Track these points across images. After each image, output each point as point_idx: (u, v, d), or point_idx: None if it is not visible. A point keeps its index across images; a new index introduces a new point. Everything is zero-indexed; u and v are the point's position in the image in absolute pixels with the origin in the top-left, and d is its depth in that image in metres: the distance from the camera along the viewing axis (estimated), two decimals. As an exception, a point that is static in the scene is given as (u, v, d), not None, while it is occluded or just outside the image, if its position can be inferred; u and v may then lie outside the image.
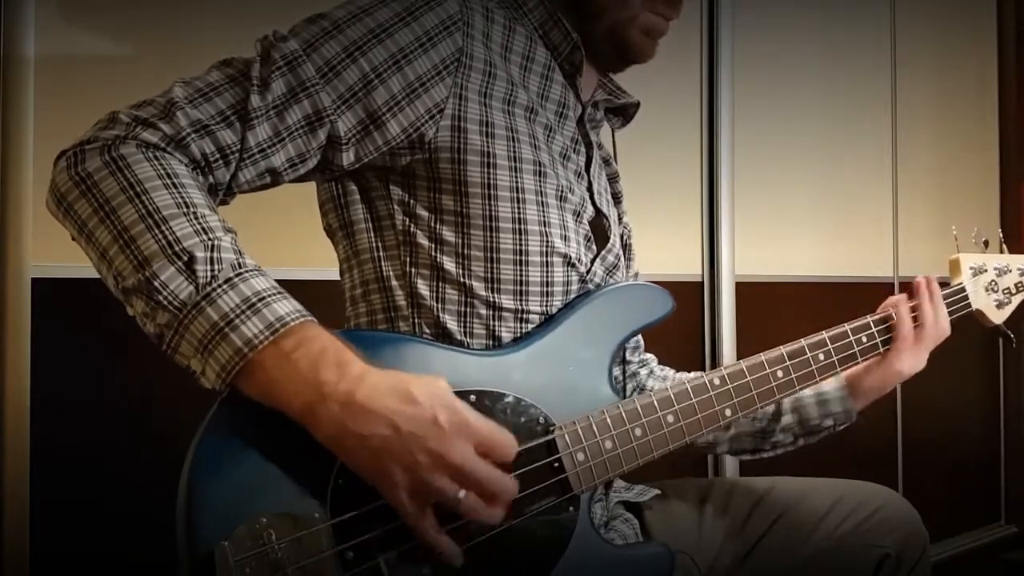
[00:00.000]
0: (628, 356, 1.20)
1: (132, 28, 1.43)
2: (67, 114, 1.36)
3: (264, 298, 0.78)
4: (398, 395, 0.78)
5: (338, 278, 1.08)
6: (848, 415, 1.22)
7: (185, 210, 0.79)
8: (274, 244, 1.51)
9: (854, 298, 2.47)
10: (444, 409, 0.79)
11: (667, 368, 1.28)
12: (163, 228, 0.78)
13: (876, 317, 1.22)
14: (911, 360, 1.21)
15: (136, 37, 1.44)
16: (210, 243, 0.78)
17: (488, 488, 0.79)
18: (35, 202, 1.32)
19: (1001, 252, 1.38)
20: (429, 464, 0.77)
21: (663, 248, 2.14)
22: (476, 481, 0.78)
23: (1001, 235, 1.41)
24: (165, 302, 0.77)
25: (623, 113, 1.20)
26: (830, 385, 1.21)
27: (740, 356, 2.17)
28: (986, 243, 1.36)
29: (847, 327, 1.18)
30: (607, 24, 1.06)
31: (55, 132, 1.33)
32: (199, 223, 0.79)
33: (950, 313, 1.28)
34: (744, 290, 2.24)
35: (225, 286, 0.77)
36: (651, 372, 1.26)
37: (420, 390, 0.79)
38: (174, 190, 0.80)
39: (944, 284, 1.32)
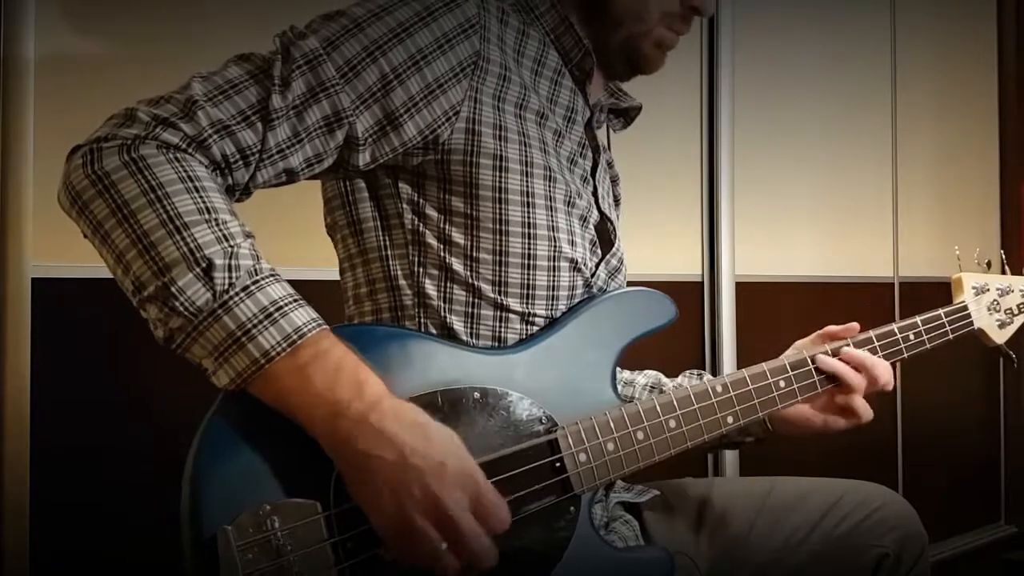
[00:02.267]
0: None
1: (132, 28, 1.43)
2: (67, 114, 1.35)
3: (281, 307, 0.78)
4: (412, 427, 0.78)
5: (338, 278, 1.07)
6: (765, 432, 1.19)
7: (207, 216, 0.78)
8: (275, 244, 1.51)
9: (854, 298, 2.48)
10: (454, 457, 0.79)
11: (624, 371, 1.27)
12: (184, 234, 0.77)
13: (877, 332, 1.20)
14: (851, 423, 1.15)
15: (136, 37, 1.44)
16: (230, 250, 0.78)
17: (468, 548, 0.78)
18: (35, 202, 1.32)
19: (1003, 273, 1.38)
20: (420, 502, 0.76)
21: (663, 248, 2.14)
22: (459, 536, 0.77)
23: (1003, 256, 1.41)
24: (181, 308, 0.77)
25: (625, 115, 1.21)
26: None
27: (740, 356, 2.20)
28: (988, 264, 1.37)
29: (849, 341, 1.17)
30: (622, 36, 1.06)
31: (55, 132, 1.33)
32: (220, 229, 0.79)
33: (952, 331, 1.27)
34: (744, 290, 2.24)
35: (242, 294, 0.77)
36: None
37: (436, 432, 0.79)
38: (196, 194, 0.79)
39: (939, 285, 1.32)
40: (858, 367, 1.12)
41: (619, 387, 1.21)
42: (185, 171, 0.80)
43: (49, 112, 1.34)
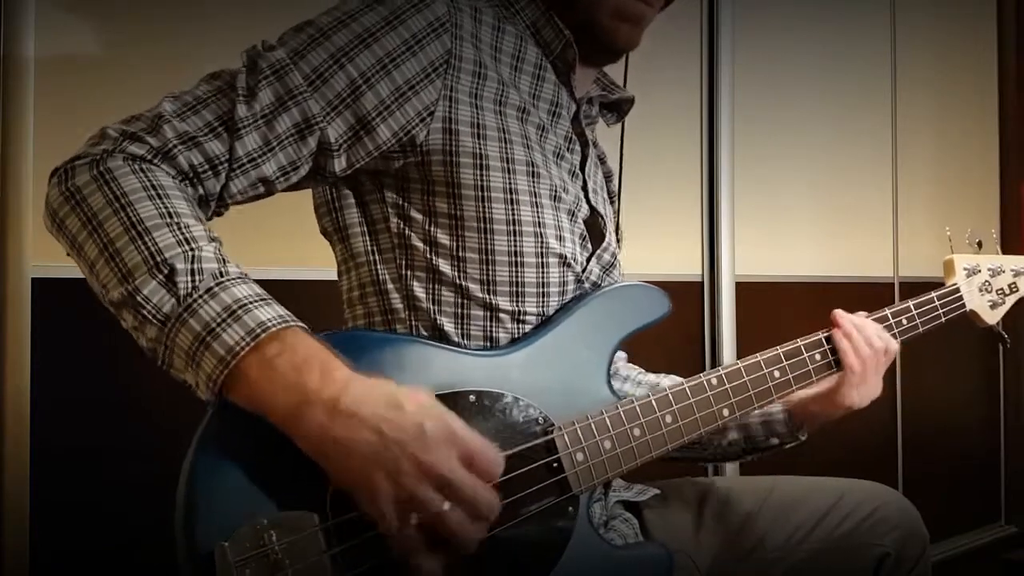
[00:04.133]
0: None
1: (133, 28, 1.43)
2: (67, 114, 1.36)
3: (244, 305, 0.77)
4: (384, 401, 0.77)
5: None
6: (794, 436, 1.20)
7: (168, 220, 0.79)
8: (275, 244, 1.51)
9: (854, 298, 2.46)
10: (431, 417, 0.77)
11: (633, 367, 1.27)
12: (146, 239, 0.77)
13: (871, 318, 1.21)
14: (863, 392, 1.15)
15: (136, 37, 1.44)
16: (191, 253, 0.78)
17: (472, 501, 0.77)
18: (35, 202, 1.32)
19: (995, 253, 1.38)
20: (413, 471, 0.75)
21: (663, 248, 2.14)
22: (459, 493, 0.76)
23: (995, 235, 1.41)
24: (151, 316, 0.77)
25: (617, 108, 1.19)
26: (775, 407, 1.19)
27: (740, 356, 2.18)
28: (980, 244, 1.37)
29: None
30: (579, 12, 1.04)
31: (55, 132, 1.34)
32: (182, 233, 0.79)
33: (945, 314, 1.28)
34: (744, 290, 2.24)
35: (206, 295, 0.77)
36: (615, 372, 1.26)
37: (407, 398, 0.78)
38: (158, 200, 0.80)
39: (939, 285, 1.32)
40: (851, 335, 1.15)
41: (644, 390, 1.21)
42: (149, 180, 0.81)
43: (49, 112, 1.35)
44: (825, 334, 1.16)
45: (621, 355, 1.28)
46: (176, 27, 1.47)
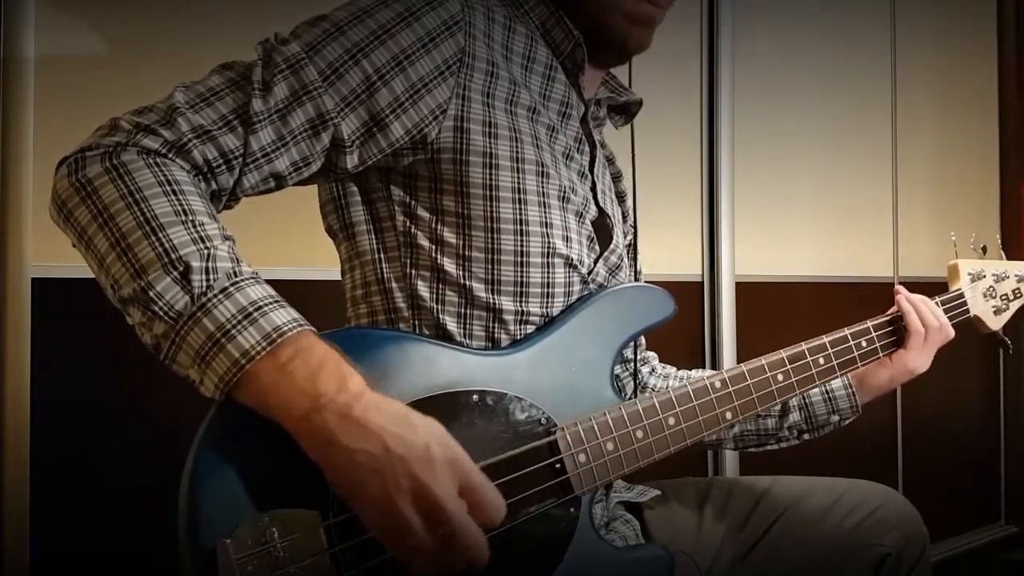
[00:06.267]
0: (627, 354, 1.20)
1: (132, 28, 1.43)
2: (67, 114, 1.35)
3: (260, 307, 0.77)
4: (395, 418, 0.77)
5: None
6: (855, 410, 1.25)
7: (183, 218, 0.78)
8: (279, 243, 1.51)
9: (854, 298, 2.48)
10: (439, 443, 0.77)
11: (668, 366, 1.28)
12: (160, 236, 0.77)
13: (877, 321, 1.22)
14: (922, 358, 1.24)
15: (136, 37, 1.44)
16: (207, 252, 0.78)
17: (459, 536, 0.76)
18: (35, 202, 1.32)
19: (999, 258, 1.38)
20: (408, 490, 0.74)
21: (663, 248, 2.14)
22: (449, 525, 0.75)
23: (999, 241, 1.41)
24: (161, 313, 0.76)
25: (625, 111, 1.20)
26: (836, 383, 1.23)
27: (740, 356, 2.19)
28: (984, 249, 1.36)
29: (847, 332, 1.18)
30: (588, 12, 1.04)
31: (55, 132, 1.33)
32: (197, 231, 0.78)
33: (950, 319, 1.29)
34: (744, 290, 2.24)
35: (221, 296, 0.77)
36: (652, 370, 1.27)
37: (419, 420, 0.78)
38: (173, 197, 0.79)
39: (939, 285, 1.32)
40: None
41: (675, 383, 1.22)
42: (164, 175, 0.80)
43: (49, 112, 1.34)
44: (829, 339, 1.16)
45: (652, 354, 1.29)
46: (176, 27, 1.46)
